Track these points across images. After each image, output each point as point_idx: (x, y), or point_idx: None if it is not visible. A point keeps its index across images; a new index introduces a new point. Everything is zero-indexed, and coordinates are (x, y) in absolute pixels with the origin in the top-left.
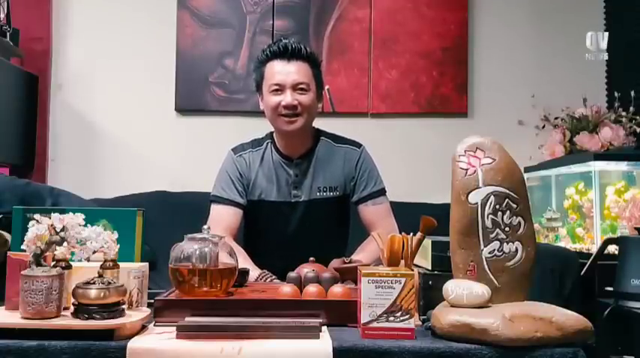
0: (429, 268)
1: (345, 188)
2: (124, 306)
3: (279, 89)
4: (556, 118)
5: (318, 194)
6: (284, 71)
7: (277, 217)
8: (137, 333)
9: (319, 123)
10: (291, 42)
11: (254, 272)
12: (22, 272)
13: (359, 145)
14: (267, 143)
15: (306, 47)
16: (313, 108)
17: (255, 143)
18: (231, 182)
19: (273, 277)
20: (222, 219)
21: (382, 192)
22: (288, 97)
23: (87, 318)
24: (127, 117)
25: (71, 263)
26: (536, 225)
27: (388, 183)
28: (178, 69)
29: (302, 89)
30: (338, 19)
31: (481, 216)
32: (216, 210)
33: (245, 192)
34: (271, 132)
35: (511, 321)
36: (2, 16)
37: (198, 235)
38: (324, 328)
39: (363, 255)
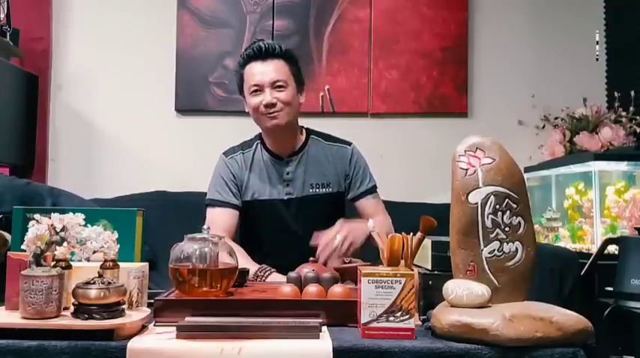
0: (429, 268)
1: (339, 185)
2: (124, 306)
3: (259, 89)
4: (556, 118)
5: (310, 191)
6: (260, 71)
7: (272, 215)
8: (137, 333)
9: (320, 124)
10: (265, 42)
11: (253, 267)
12: (22, 272)
13: (349, 143)
14: (257, 144)
15: (280, 46)
16: (294, 103)
17: (245, 145)
18: (224, 184)
19: (273, 270)
20: (220, 221)
21: (376, 187)
22: (267, 96)
23: (87, 318)
24: (127, 118)
25: (71, 263)
26: (536, 225)
27: (388, 183)
28: (178, 69)
29: (280, 86)
30: (338, 19)
31: (481, 216)
32: (212, 213)
33: (239, 193)
34: (260, 134)
35: (511, 321)
36: (2, 16)
37: (198, 235)
38: (324, 328)
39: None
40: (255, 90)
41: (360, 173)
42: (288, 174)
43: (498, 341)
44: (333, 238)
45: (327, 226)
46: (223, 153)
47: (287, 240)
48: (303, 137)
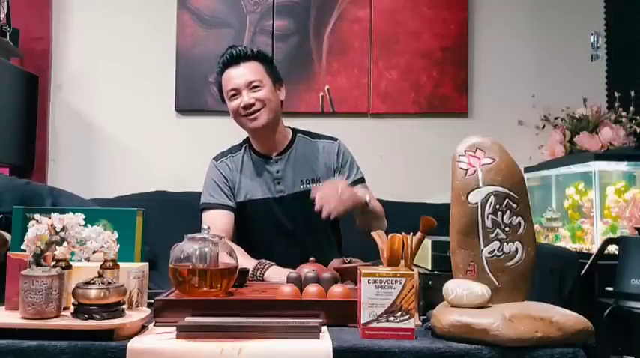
0: (429, 268)
1: (328, 179)
2: (124, 306)
3: (236, 93)
4: (556, 118)
5: (301, 187)
6: (236, 75)
7: (266, 214)
8: (137, 333)
9: (319, 124)
10: (236, 49)
11: (252, 263)
12: (22, 272)
13: (335, 139)
14: (245, 146)
15: (252, 49)
16: (273, 101)
17: (234, 148)
18: (217, 187)
19: (272, 264)
20: (215, 223)
21: (364, 179)
22: (244, 98)
23: (87, 318)
24: (126, 117)
25: (71, 263)
26: (536, 225)
27: (388, 183)
28: (178, 69)
29: (255, 86)
30: (338, 19)
31: (481, 216)
32: (207, 216)
33: (232, 194)
34: (247, 137)
35: (511, 321)
36: (2, 16)
37: (198, 235)
38: (324, 328)
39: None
40: (234, 94)
41: (348, 166)
42: (277, 172)
43: (498, 341)
44: (336, 186)
45: (320, 222)
46: (213, 158)
47: (282, 238)
48: (290, 136)
